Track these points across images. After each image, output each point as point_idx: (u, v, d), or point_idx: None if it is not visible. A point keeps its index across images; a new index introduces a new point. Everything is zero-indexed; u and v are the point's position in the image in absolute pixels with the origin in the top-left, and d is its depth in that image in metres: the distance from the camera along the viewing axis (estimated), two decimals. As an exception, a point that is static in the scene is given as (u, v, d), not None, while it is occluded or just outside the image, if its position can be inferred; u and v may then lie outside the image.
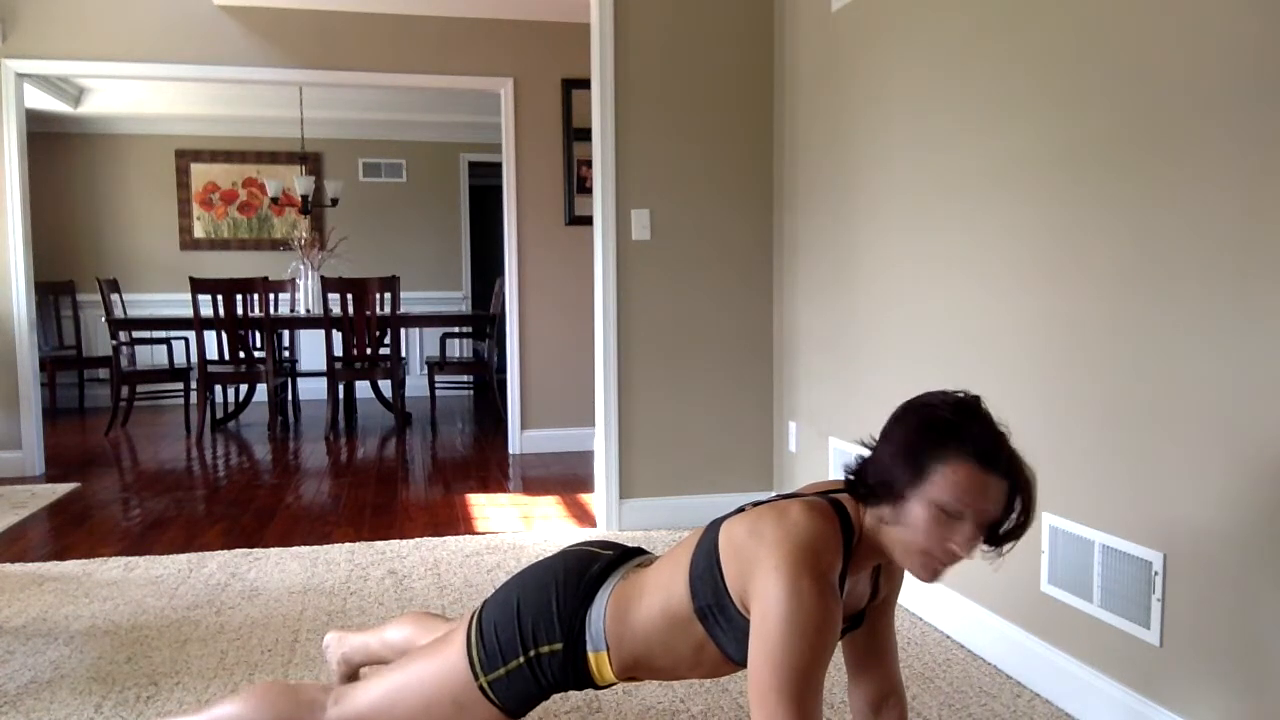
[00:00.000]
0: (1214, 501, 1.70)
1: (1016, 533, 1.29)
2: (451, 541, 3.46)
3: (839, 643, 1.47)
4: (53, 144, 7.46)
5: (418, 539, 3.50)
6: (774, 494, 1.45)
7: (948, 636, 2.51)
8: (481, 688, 1.43)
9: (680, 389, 3.62)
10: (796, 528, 1.26)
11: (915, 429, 1.27)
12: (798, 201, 3.46)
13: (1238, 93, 1.62)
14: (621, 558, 1.52)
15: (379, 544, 3.42)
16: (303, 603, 2.80)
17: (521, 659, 1.42)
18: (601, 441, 3.60)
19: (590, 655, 1.42)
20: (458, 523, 3.77)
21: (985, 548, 1.31)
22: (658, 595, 1.39)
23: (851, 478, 1.35)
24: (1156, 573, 1.82)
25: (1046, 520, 2.14)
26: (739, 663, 1.37)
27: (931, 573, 1.27)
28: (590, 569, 1.48)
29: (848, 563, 1.31)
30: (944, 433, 1.24)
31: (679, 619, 1.37)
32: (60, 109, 6.95)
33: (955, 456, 1.23)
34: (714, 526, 1.38)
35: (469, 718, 1.45)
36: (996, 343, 2.32)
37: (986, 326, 2.36)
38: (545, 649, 1.42)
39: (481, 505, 4.06)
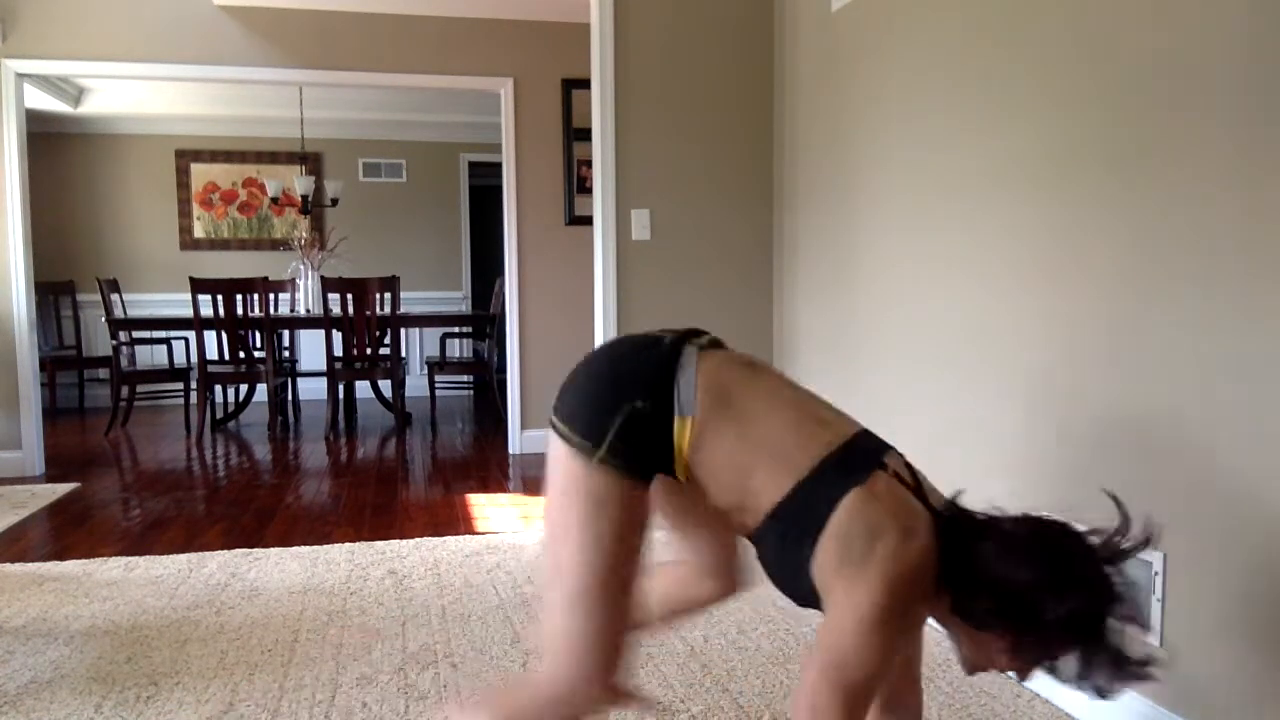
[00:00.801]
0: (1214, 501, 1.70)
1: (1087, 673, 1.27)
2: (451, 541, 3.46)
3: None
4: (53, 144, 7.46)
5: (418, 539, 3.50)
6: (899, 453, 1.37)
7: (948, 636, 2.51)
8: (602, 461, 1.28)
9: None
10: (911, 556, 1.21)
11: (1082, 619, 1.19)
12: (798, 201, 3.46)
13: (1237, 92, 1.62)
14: (682, 338, 1.42)
15: (379, 544, 3.42)
16: (303, 603, 2.80)
17: (621, 416, 1.29)
18: (601, 441, 3.59)
19: (675, 419, 1.30)
20: (458, 523, 3.77)
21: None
22: (747, 460, 1.28)
23: (949, 547, 1.25)
24: (1156, 573, 1.82)
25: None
26: (757, 561, 1.35)
27: (972, 670, 1.29)
28: (660, 341, 1.39)
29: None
30: (1094, 628, 1.19)
31: (749, 504, 1.29)
32: (60, 109, 6.95)
33: (1103, 627, 1.20)
34: (843, 469, 1.25)
35: (615, 510, 1.28)
36: (996, 342, 2.32)
37: (986, 326, 2.36)
38: (640, 404, 1.30)
39: (481, 505, 4.06)
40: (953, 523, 1.26)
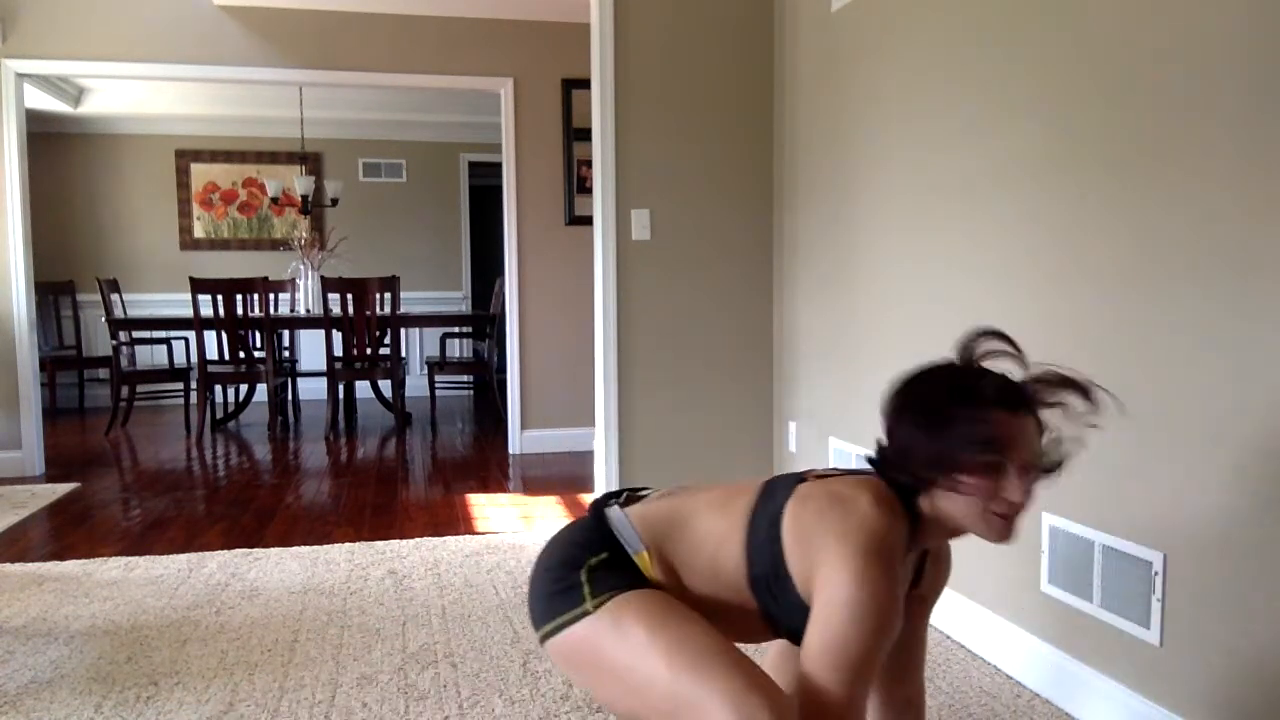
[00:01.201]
0: (1214, 501, 1.70)
1: (1063, 456, 1.32)
2: (451, 541, 3.46)
3: None
4: (53, 144, 7.46)
5: (418, 539, 3.50)
6: (833, 467, 1.41)
7: (948, 636, 2.51)
8: (599, 605, 1.31)
9: (680, 389, 3.62)
10: (866, 520, 1.25)
11: (946, 404, 1.26)
12: (798, 201, 3.46)
13: (1237, 92, 1.62)
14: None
15: (379, 544, 3.42)
16: (303, 603, 2.80)
17: (584, 571, 1.34)
18: (601, 441, 3.60)
19: (633, 556, 1.38)
20: (458, 523, 3.77)
21: (1044, 480, 1.33)
22: (708, 543, 1.36)
23: (889, 468, 1.32)
24: (1156, 573, 1.82)
25: (1046, 520, 2.14)
26: (783, 633, 1.36)
27: (1001, 531, 1.26)
28: (582, 518, 1.46)
29: (908, 547, 1.31)
30: (963, 394, 1.25)
31: (730, 581, 1.35)
32: (60, 109, 6.95)
33: (981, 412, 1.23)
34: (774, 494, 1.35)
35: (647, 607, 1.31)
36: (996, 343, 2.32)
37: (986, 324, 2.36)
38: (594, 559, 1.36)
39: (481, 505, 4.06)
40: (880, 465, 1.33)
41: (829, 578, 1.23)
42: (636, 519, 1.41)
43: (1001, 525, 1.26)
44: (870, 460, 1.37)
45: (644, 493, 1.50)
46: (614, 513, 1.43)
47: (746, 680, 1.19)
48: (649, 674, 1.24)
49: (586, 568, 1.35)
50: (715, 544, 1.36)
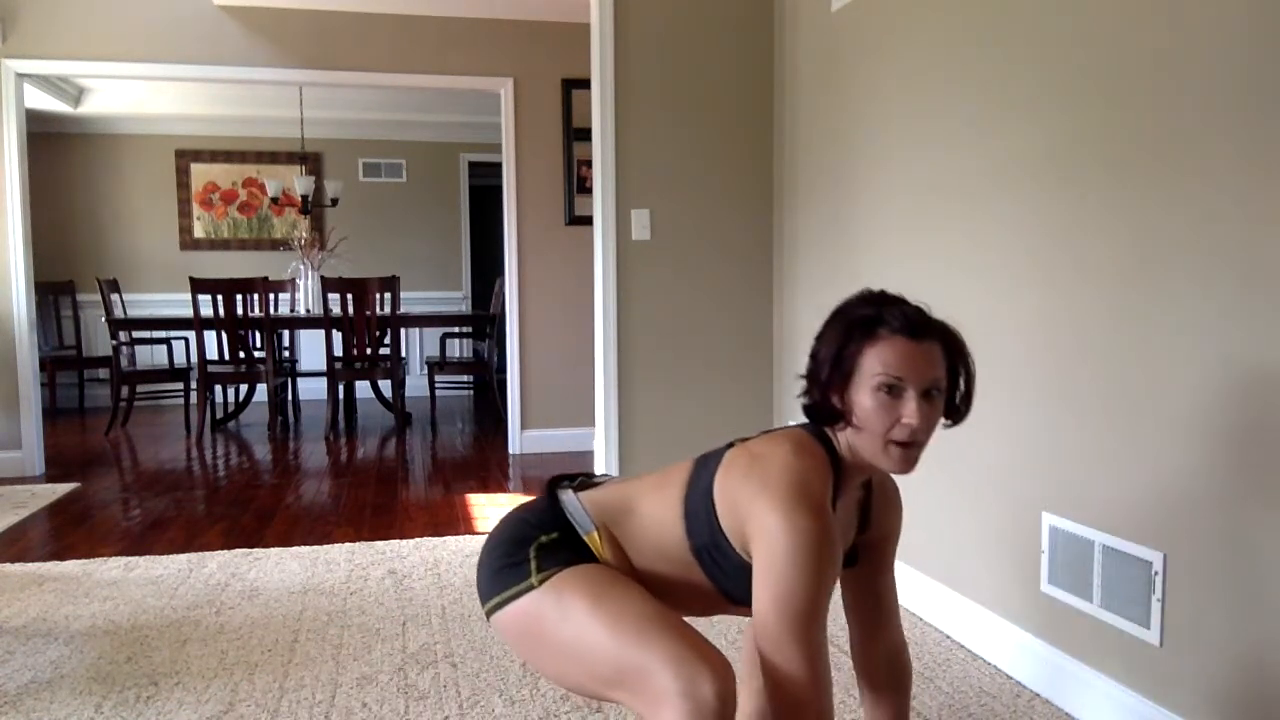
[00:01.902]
0: (1214, 501, 1.70)
1: (967, 391, 1.35)
2: (451, 541, 3.46)
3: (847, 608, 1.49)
4: (53, 144, 7.46)
5: (418, 539, 3.50)
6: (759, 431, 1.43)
7: (948, 636, 2.51)
8: (544, 578, 1.33)
9: (680, 388, 3.62)
10: (786, 468, 1.28)
11: (839, 333, 1.31)
12: (798, 201, 3.46)
13: (1236, 93, 1.62)
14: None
15: (379, 544, 3.42)
16: (303, 603, 2.80)
17: (533, 547, 1.36)
18: (601, 441, 3.60)
19: (584, 536, 1.40)
20: (458, 523, 3.77)
21: (945, 421, 1.35)
22: (651, 525, 1.38)
23: (807, 406, 1.37)
24: (1156, 573, 1.82)
25: (1046, 520, 2.14)
26: (737, 602, 1.38)
27: (901, 459, 1.28)
28: (536, 500, 1.48)
29: (837, 489, 1.33)
30: (864, 323, 1.29)
31: (675, 556, 1.37)
32: (60, 109, 6.95)
33: (880, 338, 1.27)
34: (705, 466, 1.38)
35: (588, 581, 1.32)
36: (997, 342, 2.32)
37: (987, 326, 2.36)
38: (544, 538, 1.38)
39: (481, 505, 4.06)
40: (809, 410, 1.37)
41: (760, 531, 1.25)
42: (588, 502, 1.43)
43: (900, 454, 1.27)
44: (802, 404, 1.41)
45: (599, 480, 1.52)
46: (567, 495, 1.44)
47: (690, 645, 1.20)
48: (592, 644, 1.26)
49: (536, 545, 1.37)
50: (657, 524, 1.38)
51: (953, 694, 2.15)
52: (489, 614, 1.38)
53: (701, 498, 1.35)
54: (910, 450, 1.27)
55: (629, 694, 1.23)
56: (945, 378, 1.29)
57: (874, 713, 1.54)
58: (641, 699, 1.21)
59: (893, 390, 1.26)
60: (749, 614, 1.41)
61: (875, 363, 1.26)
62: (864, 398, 1.27)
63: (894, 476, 1.53)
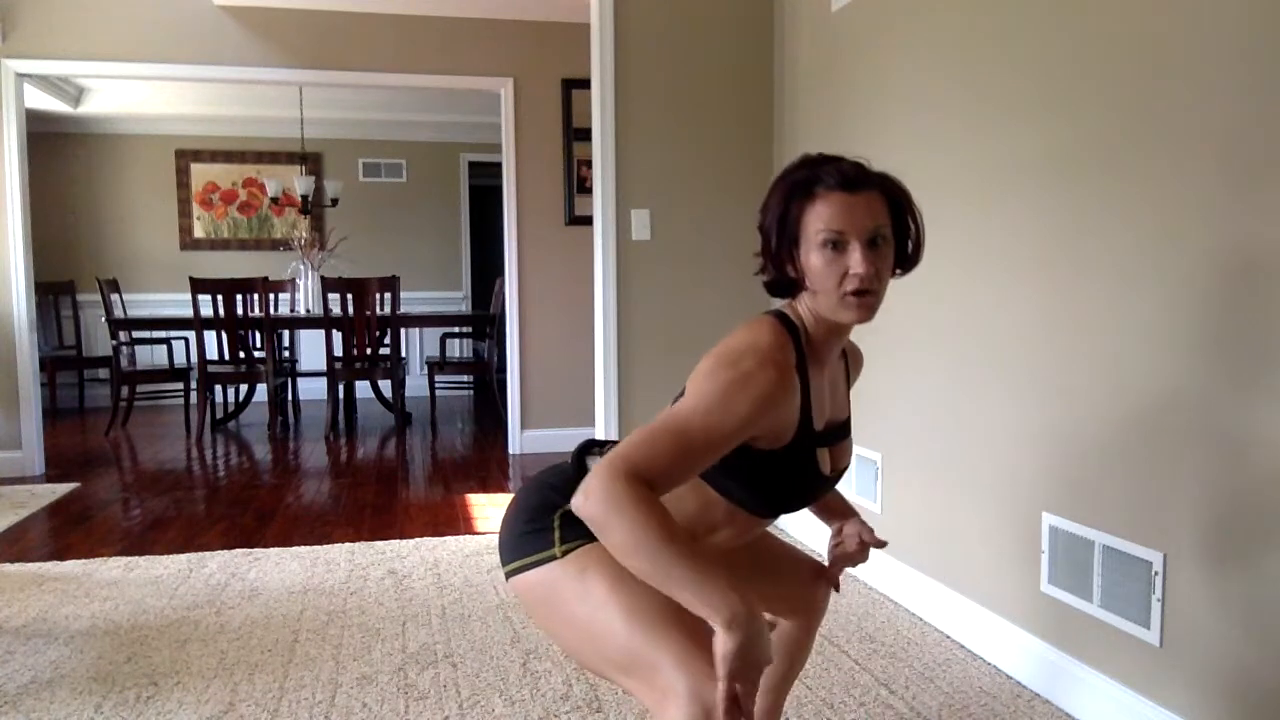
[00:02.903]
0: (1214, 501, 1.70)
1: (917, 236, 1.35)
2: (451, 541, 3.46)
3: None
4: (53, 144, 7.46)
5: (418, 539, 3.50)
6: None
7: (948, 636, 2.51)
8: (566, 550, 1.32)
9: (680, 389, 3.61)
10: (730, 340, 1.29)
11: (779, 199, 1.31)
12: (798, 201, 3.45)
13: (1236, 94, 1.63)
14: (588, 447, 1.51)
15: (379, 544, 3.42)
16: (303, 603, 2.80)
17: (557, 517, 1.34)
18: (601, 441, 3.59)
19: None
20: (458, 523, 3.77)
21: (897, 271, 1.35)
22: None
23: (766, 282, 1.37)
24: (1156, 573, 1.82)
25: (1046, 520, 2.14)
26: (755, 511, 1.37)
27: (859, 307, 1.27)
28: (564, 463, 1.46)
29: (804, 360, 1.32)
30: (801, 185, 1.29)
31: (685, 491, 1.36)
32: (60, 109, 6.95)
33: (817, 196, 1.27)
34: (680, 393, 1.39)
35: (592, 606, 1.30)
36: (997, 341, 2.32)
37: (987, 325, 2.36)
38: (568, 505, 1.34)
39: (481, 505, 4.06)
40: (769, 285, 1.37)
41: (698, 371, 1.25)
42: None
43: (857, 303, 1.27)
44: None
45: None
46: (591, 461, 1.43)
47: (702, 646, 1.18)
48: (606, 628, 1.25)
49: (561, 512, 1.35)
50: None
51: (953, 694, 2.15)
52: (508, 576, 1.38)
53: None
54: (867, 298, 1.27)
55: (637, 684, 1.23)
56: (890, 225, 1.29)
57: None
58: (649, 692, 1.20)
59: (837, 245, 1.26)
60: (772, 520, 1.42)
61: (816, 221, 1.26)
62: (812, 258, 1.28)
63: (860, 353, 1.57)
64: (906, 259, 1.36)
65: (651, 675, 1.20)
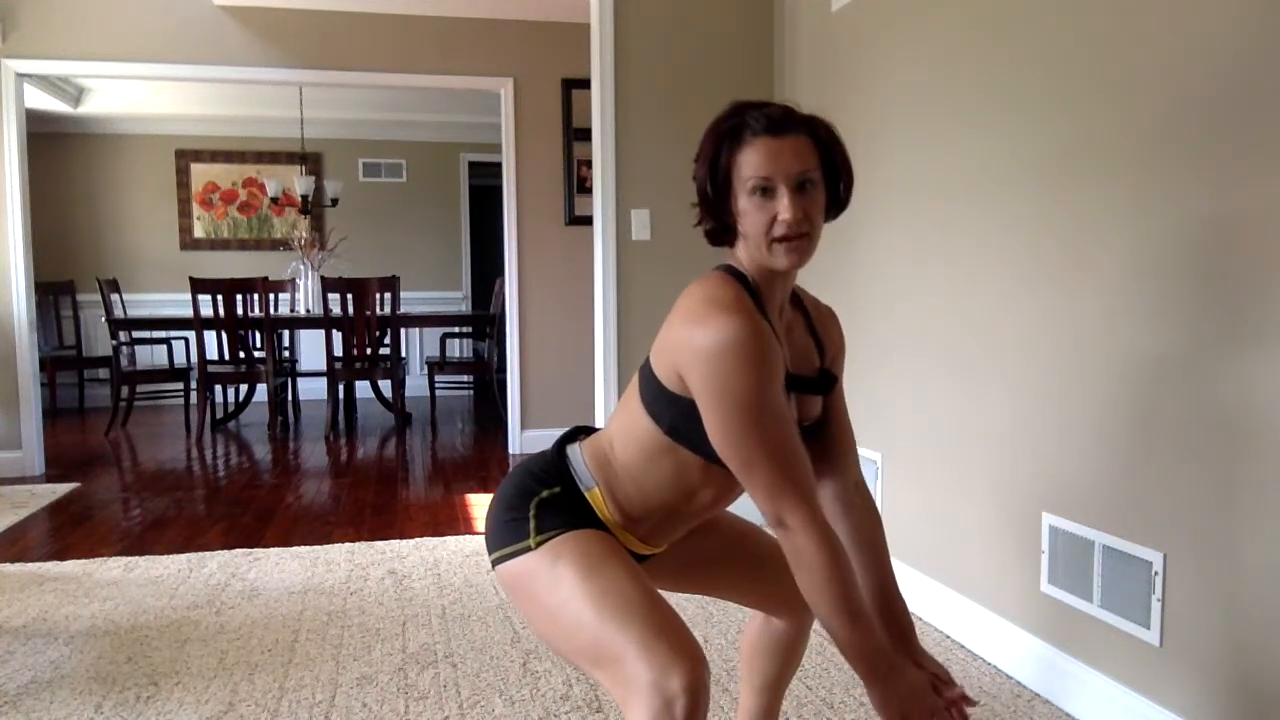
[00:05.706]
0: (1214, 501, 1.70)
1: (848, 182, 1.34)
2: (451, 541, 3.46)
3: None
4: (53, 144, 7.46)
5: (418, 539, 3.50)
6: None
7: (948, 636, 2.51)
8: (541, 540, 1.33)
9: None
10: (689, 293, 1.31)
11: (709, 148, 1.31)
12: (798, 201, 3.45)
13: (1236, 94, 1.63)
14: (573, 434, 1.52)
15: (379, 544, 3.42)
16: (303, 603, 2.80)
17: (534, 503, 1.36)
18: (601, 441, 3.59)
19: (585, 493, 1.39)
20: (458, 523, 3.77)
21: (829, 212, 1.35)
22: (630, 438, 1.38)
23: (706, 231, 1.38)
24: (1156, 573, 1.82)
25: (1046, 520, 2.14)
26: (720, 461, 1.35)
27: (787, 252, 1.28)
28: (546, 451, 1.47)
29: (761, 306, 1.32)
30: (729, 132, 1.29)
31: (656, 449, 1.35)
32: (60, 109, 6.95)
33: (745, 142, 1.27)
34: (645, 360, 1.40)
35: (583, 548, 1.32)
36: (997, 341, 2.32)
37: (987, 325, 2.36)
38: (545, 493, 1.38)
39: (481, 505, 4.06)
40: (708, 234, 1.39)
41: (682, 348, 1.25)
42: (587, 452, 1.42)
43: (784, 249, 1.27)
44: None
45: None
46: (573, 450, 1.44)
47: (666, 636, 1.19)
48: (575, 618, 1.26)
49: (537, 500, 1.37)
50: (633, 432, 1.37)
51: (953, 694, 2.15)
52: (493, 565, 1.39)
53: (649, 380, 1.35)
54: (796, 243, 1.28)
55: (605, 675, 1.23)
56: (819, 169, 1.28)
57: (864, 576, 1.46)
58: (615, 683, 1.21)
59: (765, 191, 1.26)
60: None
61: (745, 167, 1.26)
62: (742, 204, 1.28)
63: (828, 305, 1.55)
64: (838, 201, 1.35)
65: (617, 665, 1.20)
